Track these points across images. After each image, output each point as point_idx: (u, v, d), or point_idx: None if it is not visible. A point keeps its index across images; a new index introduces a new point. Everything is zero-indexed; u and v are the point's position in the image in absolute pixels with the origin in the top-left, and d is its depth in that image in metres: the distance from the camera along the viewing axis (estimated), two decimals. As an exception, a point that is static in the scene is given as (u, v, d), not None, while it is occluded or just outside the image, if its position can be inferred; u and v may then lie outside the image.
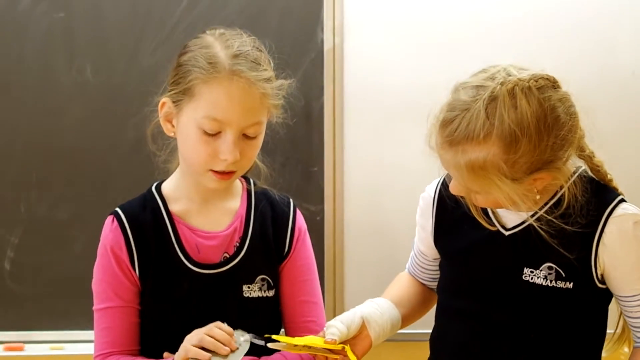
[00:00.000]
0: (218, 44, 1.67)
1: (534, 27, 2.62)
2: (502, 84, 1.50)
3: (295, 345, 1.65)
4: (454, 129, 1.52)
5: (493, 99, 1.50)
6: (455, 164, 1.54)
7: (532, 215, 1.61)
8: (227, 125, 1.64)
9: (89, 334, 1.81)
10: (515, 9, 2.64)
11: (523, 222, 1.64)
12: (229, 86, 1.63)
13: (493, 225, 1.67)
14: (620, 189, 1.66)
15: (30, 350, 2.63)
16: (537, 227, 1.59)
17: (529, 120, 1.48)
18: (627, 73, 2.65)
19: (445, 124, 1.54)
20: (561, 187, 1.60)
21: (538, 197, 1.58)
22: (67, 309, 2.62)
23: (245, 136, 1.67)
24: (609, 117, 2.55)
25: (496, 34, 2.61)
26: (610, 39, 2.64)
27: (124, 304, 1.74)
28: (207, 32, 1.72)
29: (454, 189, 1.63)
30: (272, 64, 1.71)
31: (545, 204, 1.62)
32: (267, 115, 1.71)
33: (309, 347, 1.65)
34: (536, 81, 1.52)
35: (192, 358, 1.58)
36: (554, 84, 1.54)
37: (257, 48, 1.70)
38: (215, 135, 1.65)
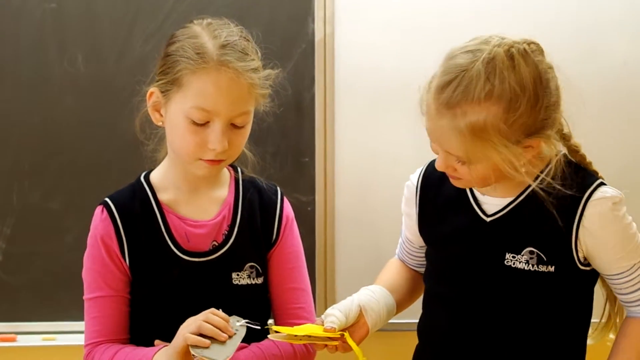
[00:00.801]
0: (205, 34, 1.67)
1: (524, 13, 2.61)
2: (498, 45, 1.53)
3: (296, 336, 1.66)
4: (452, 91, 1.52)
5: (491, 59, 1.52)
6: (454, 128, 1.53)
7: (535, 180, 1.60)
8: (215, 115, 1.65)
9: (81, 325, 1.81)
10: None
11: (504, 208, 1.66)
12: (217, 76, 1.64)
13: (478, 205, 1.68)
14: (610, 178, 1.67)
15: (22, 341, 2.62)
16: (537, 189, 1.59)
17: (528, 80, 1.52)
18: (619, 62, 2.64)
19: (441, 88, 1.54)
20: (547, 165, 1.61)
21: (524, 170, 1.57)
22: (59, 300, 2.62)
23: (233, 125, 1.68)
24: (599, 107, 2.55)
25: (486, 22, 2.60)
26: (602, 28, 2.64)
27: (114, 293, 1.75)
28: (195, 21, 1.72)
29: (441, 164, 1.62)
30: (259, 54, 1.72)
31: (537, 176, 1.62)
32: (255, 105, 1.72)
33: (309, 337, 1.66)
34: (528, 45, 1.56)
35: (192, 345, 1.58)
36: (541, 51, 1.58)
37: (245, 38, 1.70)
38: (204, 125, 1.66)
